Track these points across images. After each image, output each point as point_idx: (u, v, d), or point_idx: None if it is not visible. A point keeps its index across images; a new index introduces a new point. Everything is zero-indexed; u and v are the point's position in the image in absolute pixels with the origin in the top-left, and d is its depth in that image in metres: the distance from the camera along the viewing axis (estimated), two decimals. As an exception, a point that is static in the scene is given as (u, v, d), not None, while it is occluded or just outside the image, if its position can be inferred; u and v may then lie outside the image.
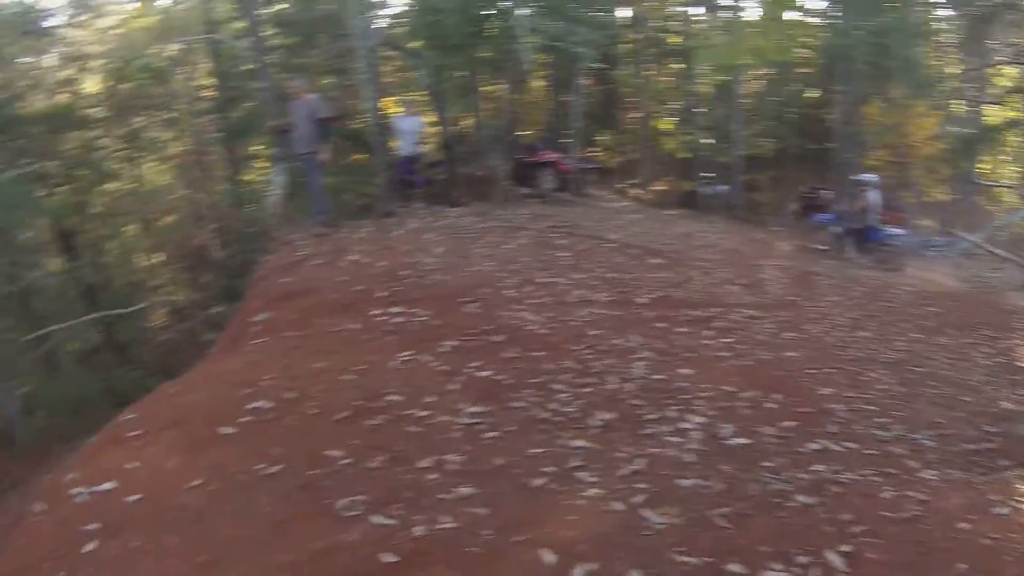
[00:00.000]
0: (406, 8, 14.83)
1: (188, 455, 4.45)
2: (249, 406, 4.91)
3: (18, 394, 14.52)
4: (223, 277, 19.13)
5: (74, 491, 4.34)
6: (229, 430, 4.64)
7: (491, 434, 4.48)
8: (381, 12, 14.50)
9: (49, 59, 19.94)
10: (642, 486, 3.83)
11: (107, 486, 4.25)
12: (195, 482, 4.08)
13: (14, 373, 14.43)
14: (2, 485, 12.86)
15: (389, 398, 4.92)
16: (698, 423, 4.60)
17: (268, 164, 18.84)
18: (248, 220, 17.91)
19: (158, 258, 22.57)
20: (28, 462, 13.14)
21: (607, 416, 4.66)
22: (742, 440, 4.39)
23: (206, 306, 20.04)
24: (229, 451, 4.43)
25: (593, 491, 3.81)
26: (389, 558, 3.31)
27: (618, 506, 3.67)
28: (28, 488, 10.47)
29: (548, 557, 3.24)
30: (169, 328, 21.82)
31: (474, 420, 4.64)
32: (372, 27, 12.50)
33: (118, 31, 20.65)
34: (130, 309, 18.33)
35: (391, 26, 14.22)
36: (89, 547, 3.70)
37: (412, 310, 6.84)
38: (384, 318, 6.71)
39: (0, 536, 8.83)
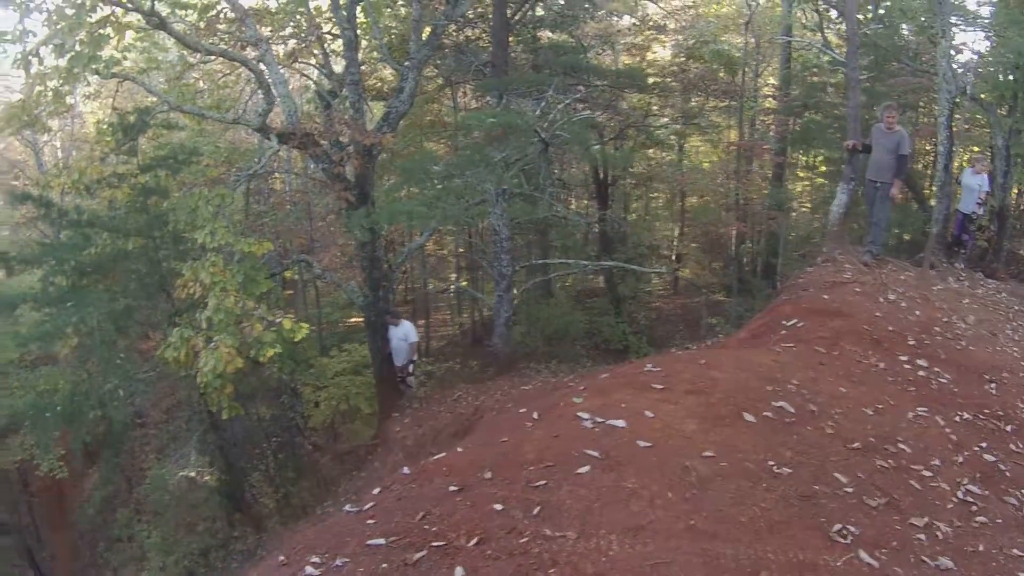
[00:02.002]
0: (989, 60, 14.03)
1: (705, 425, 4.95)
2: (773, 403, 5.39)
3: (512, 305, 15.88)
4: (737, 271, 19.85)
5: (583, 415, 5.02)
6: (751, 418, 5.12)
7: (980, 518, 4.54)
8: (968, 59, 14.02)
9: (624, 22, 21.80)
10: None
11: (618, 423, 4.84)
12: (707, 452, 4.52)
13: (509, 288, 15.69)
14: (482, 378, 15.20)
15: (900, 446, 5.19)
16: None
17: (821, 178, 19.01)
18: (781, 226, 18.21)
19: (677, 231, 24.11)
20: (502, 366, 15.37)
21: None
22: None
23: (712, 292, 21.09)
24: (745, 437, 4.86)
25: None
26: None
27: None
28: (491, 391, 12.61)
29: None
30: (667, 298, 23.36)
31: (968, 498, 4.73)
32: (958, 72, 12.29)
33: (693, 11, 22.08)
34: (646, 269, 19.54)
35: (978, 76, 13.58)
36: (582, 469, 4.26)
37: (935, 369, 6.96)
38: (908, 367, 6.93)
39: (463, 420, 11.05)
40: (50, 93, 12.54)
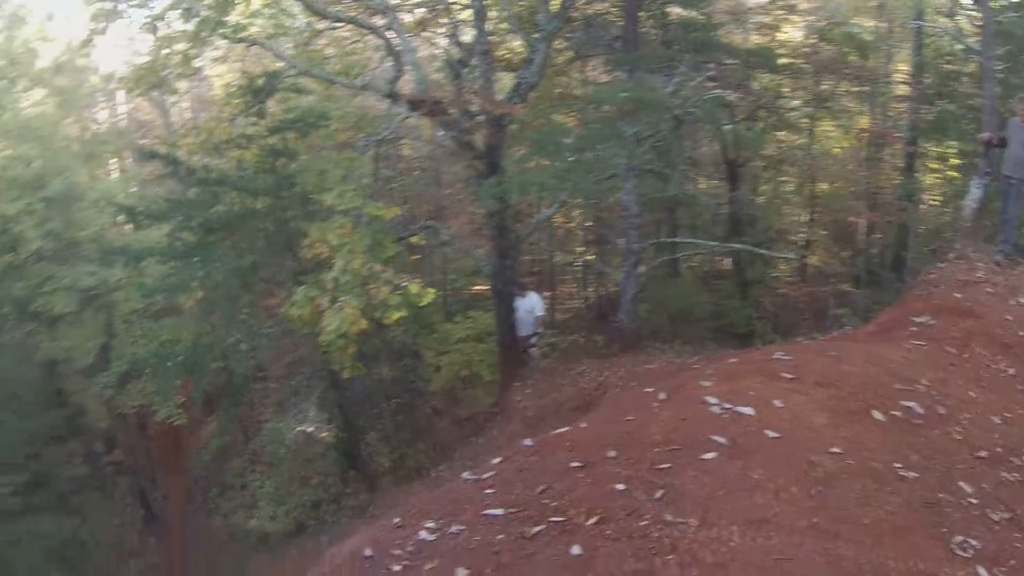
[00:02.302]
0: None
1: (834, 420, 4.83)
2: (902, 402, 5.22)
3: (639, 282, 15.76)
4: (866, 262, 19.27)
5: (711, 400, 4.96)
6: (879, 416, 4.98)
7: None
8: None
9: (754, 0, 21.01)
10: None
11: (746, 410, 4.77)
12: (834, 448, 4.40)
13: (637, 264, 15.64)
14: (606, 354, 15.15)
15: (1030, 458, 4.94)
16: None
17: (953, 170, 18.25)
18: (912, 218, 17.56)
19: (805, 217, 23.52)
20: (626, 343, 15.21)
21: None
22: None
23: (839, 281, 20.51)
24: (873, 436, 4.73)
25: None
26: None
27: None
28: (614, 367, 12.51)
29: None
30: (794, 285, 22.85)
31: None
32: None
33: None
34: (775, 254, 19.14)
35: None
36: (708, 455, 4.23)
37: (1067, 380, 6.57)
38: (1038, 375, 6.56)
39: (586, 395, 10.96)
40: (177, 56, 12.97)
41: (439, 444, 15.50)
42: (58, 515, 17.18)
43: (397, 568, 3.62)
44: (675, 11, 16.67)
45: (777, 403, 4.93)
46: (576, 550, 3.42)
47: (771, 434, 4.46)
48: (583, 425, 5.19)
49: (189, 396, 15.88)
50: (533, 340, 13.70)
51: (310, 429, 13.09)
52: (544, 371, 13.28)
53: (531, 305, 13.22)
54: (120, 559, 18.19)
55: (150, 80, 13.59)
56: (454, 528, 3.82)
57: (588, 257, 22.23)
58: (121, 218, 20.48)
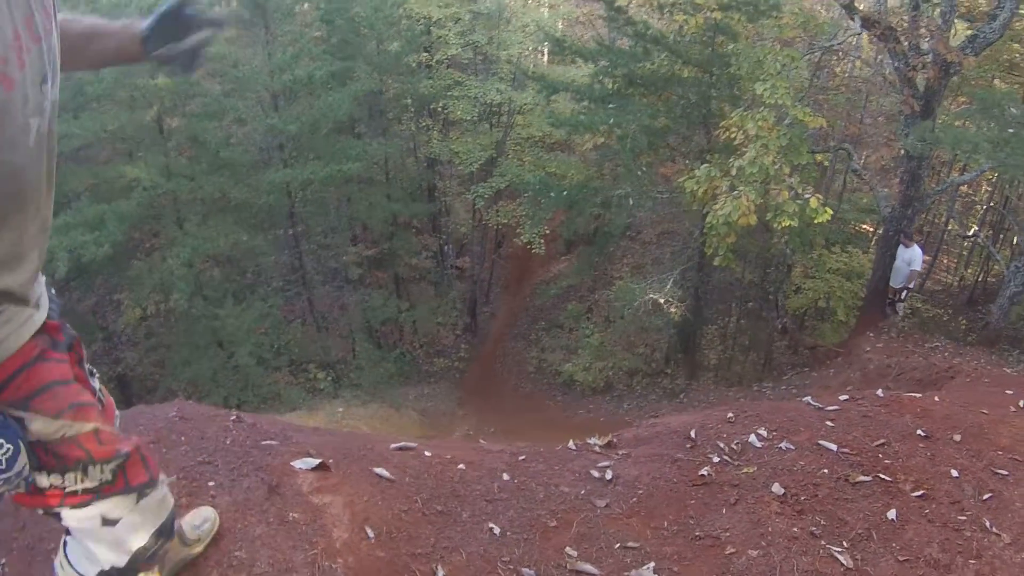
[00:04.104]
0: None
1: None
2: None
3: None
4: None
5: None
6: None
7: None
8: None
9: None
10: None
11: None
12: None
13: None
14: (963, 341, 14.12)
15: None
16: None
17: None
18: None
19: None
20: (987, 338, 14.13)
21: None
22: None
23: None
24: None
25: None
26: None
27: None
28: (967, 356, 11.70)
29: None
30: None
31: None
32: None
33: None
34: None
35: None
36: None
37: None
38: None
39: (934, 372, 10.34)
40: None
41: (771, 361, 15.55)
42: (390, 294, 19.67)
43: (715, 459, 3.87)
44: None
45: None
46: (892, 514, 3.48)
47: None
48: (936, 399, 5.12)
49: (554, 230, 17.01)
50: (902, 295, 13.17)
51: (661, 300, 13.65)
52: (900, 331, 12.78)
53: (911, 257, 12.63)
54: (431, 352, 20.44)
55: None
56: (784, 444, 4.02)
57: (981, 237, 20.47)
58: (545, 47, 21.97)
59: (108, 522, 1.90)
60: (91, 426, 1.73)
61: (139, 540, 1.99)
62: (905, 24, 13.00)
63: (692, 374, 15.40)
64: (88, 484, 1.78)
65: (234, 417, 3.67)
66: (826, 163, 15.98)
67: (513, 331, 21.24)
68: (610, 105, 14.06)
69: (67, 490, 1.76)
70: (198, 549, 2.52)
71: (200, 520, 2.58)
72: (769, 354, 15.90)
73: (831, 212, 11.46)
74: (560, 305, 19.56)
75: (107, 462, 1.79)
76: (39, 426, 1.64)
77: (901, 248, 12.84)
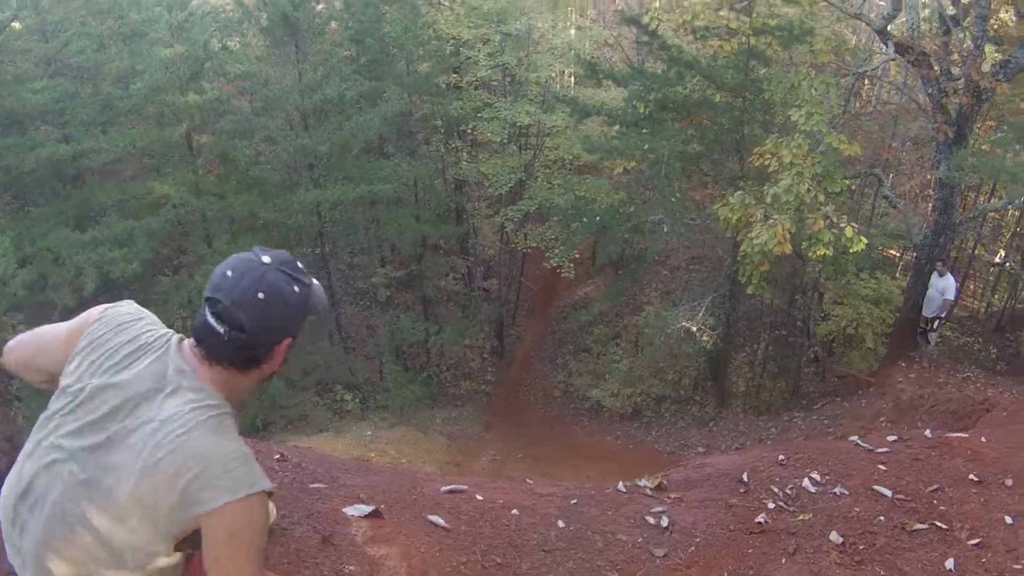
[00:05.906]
0: None
1: None
2: None
3: None
4: None
5: None
6: None
7: None
8: None
9: None
10: None
11: None
12: None
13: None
14: (994, 370, 13.97)
15: None
16: None
17: None
18: None
19: None
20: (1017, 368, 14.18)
21: None
22: None
23: None
24: None
25: None
26: None
27: None
28: (1001, 387, 11.59)
29: None
30: None
31: None
32: None
33: None
34: None
35: None
36: None
37: None
38: None
39: (968, 404, 10.19)
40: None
41: (799, 389, 15.44)
42: (417, 316, 19.69)
43: (771, 505, 3.87)
44: None
45: None
46: (950, 564, 3.46)
47: None
48: (983, 439, 5.09)
49: (581, 253, 16.97)
50: (935, 324, 13.08)
51: (693, 328, 13.63)
52: (932, 360, 12.69)
53: (944, 286, 12.56)
54: (458, 374, 20.43)
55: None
56: (838, 489, 4.01)
57: (1010, 263, 20.28)
58: (576, 70, 22.02)
59: None
60: None
61: None
62: (936, 49, 12.97)
63: (721, 402, 15.35)
64: None
65: (278, 456, 3.68)
66: (853, 187, 15.92)
67: (540, 354, 21.22)
68: (643, 130, 14.09)
69: None
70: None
71: None
72: (797, 382, 15.81)
73: (866, 242, 11.40)
74: (587, 329, 19.54)
75: None
76: None
77: (935, 276, 12.76)
